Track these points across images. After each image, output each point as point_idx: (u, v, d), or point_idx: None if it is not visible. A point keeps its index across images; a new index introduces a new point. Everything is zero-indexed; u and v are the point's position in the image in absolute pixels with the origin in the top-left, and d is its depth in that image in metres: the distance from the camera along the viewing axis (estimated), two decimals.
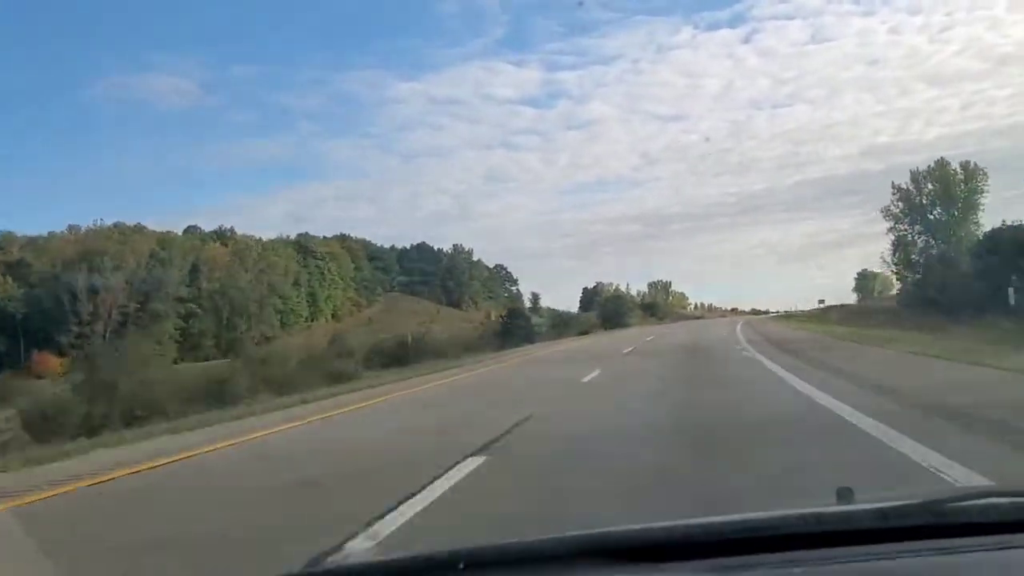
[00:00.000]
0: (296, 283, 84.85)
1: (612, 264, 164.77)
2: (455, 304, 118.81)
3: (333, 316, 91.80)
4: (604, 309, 75.76)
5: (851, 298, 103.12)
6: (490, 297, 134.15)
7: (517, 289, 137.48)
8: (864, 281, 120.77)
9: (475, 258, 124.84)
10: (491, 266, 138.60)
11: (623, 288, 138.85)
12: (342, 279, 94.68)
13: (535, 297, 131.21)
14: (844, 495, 1.66)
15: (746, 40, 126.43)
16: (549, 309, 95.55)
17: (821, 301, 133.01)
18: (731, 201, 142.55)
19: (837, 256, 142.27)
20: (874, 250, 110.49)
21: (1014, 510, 1.45)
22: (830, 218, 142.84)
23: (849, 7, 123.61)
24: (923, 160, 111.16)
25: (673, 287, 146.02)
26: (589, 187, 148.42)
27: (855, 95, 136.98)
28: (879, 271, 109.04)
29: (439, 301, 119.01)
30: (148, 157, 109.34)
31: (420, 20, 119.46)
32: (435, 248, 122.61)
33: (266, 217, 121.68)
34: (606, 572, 1.37)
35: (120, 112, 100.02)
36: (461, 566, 1.36)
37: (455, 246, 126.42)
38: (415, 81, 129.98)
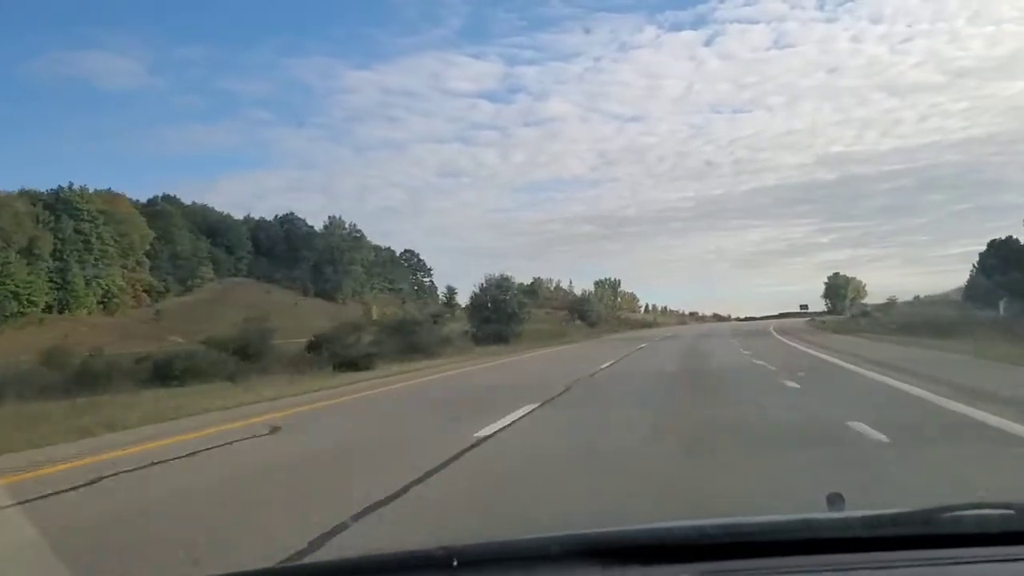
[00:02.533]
0: (31, 253, 55.70)
1: (566, 265, 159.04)
2: (327, 295, 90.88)
3: (104, 305, 62.65)
4: (480, 308, 47.50)
5: (819, 304, 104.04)
6: (389, 288, 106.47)
7: (431, 281, 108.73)
8: (835, 286, 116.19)
9: (371, 239, 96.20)
10: (399, 252, 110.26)
11: (566, 285, 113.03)
12: (126, 254, 65.49)
13: (450, 292, 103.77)
14: (834, 501, 1.64)
15: (708, 43, 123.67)
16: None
17: (803, 306, 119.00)
18: (688, 206, 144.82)
19: (787, 264, 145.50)
20: (827, 259, 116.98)
21: (1006, 522, 1.42)
22: (782, 226, 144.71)
23: (813, 13, 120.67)
24: (875, 172, 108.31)
25: (624, 287, 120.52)
26: (545, 186, 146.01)
27: (814, 103, 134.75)
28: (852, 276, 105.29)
29: (304, 291, 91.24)
30: (87, 138, 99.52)
31: (375, 6, 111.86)
32: (308, 224, 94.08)
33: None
34: (597, 572, 1.36)
35: (61, 90, 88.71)
36: (455, 563, 1.37)
37: (331, 218, 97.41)
38: (368, 70, 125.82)
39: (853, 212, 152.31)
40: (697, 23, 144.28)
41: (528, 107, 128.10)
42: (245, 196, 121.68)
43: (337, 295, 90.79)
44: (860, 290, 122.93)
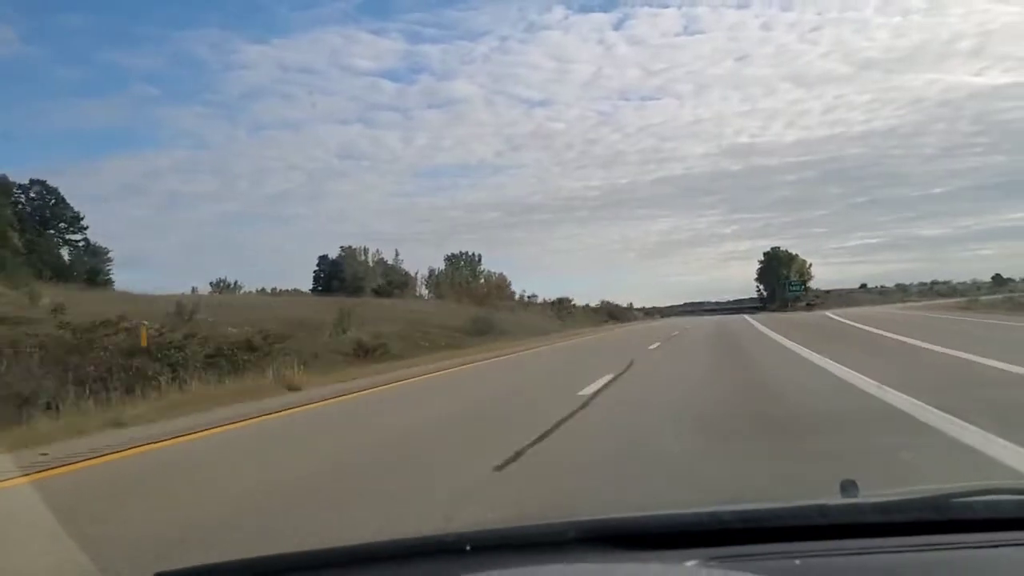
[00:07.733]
0: None
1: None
2: None
3: None
4: None
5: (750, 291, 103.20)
6: None
7: (87, 241, 41.66)
8: (774, 265, 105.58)
9: None
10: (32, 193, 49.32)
11: (390, 257, 72.92)
12: None
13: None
14: (847, 488, 1.63)
15: (618, 26, 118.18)
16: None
17: (761, 296, 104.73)
18: (594, 195, 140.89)
19: (691, 254, 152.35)
20: (729, 250, 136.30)
21: (1018, 507, 1.43)
22: (688, 217, 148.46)
23: None
24: (780, 163, 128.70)
25: (516, 274, 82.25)
26: (449, 171, 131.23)
27: (722, 92, 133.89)
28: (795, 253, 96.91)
29: None
30: None
31: None
32: None
33: (91, 186, 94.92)
34: (607, 557, 1.36)
35: None
36: (467, 548, 1.38)
37: None
38: (265, 44, 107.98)
39: (755, 203, 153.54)
40: (607, 5, 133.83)
41: (432, 88, 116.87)
42: (134, 177, 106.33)
43: None
44: (804, 271, 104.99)
